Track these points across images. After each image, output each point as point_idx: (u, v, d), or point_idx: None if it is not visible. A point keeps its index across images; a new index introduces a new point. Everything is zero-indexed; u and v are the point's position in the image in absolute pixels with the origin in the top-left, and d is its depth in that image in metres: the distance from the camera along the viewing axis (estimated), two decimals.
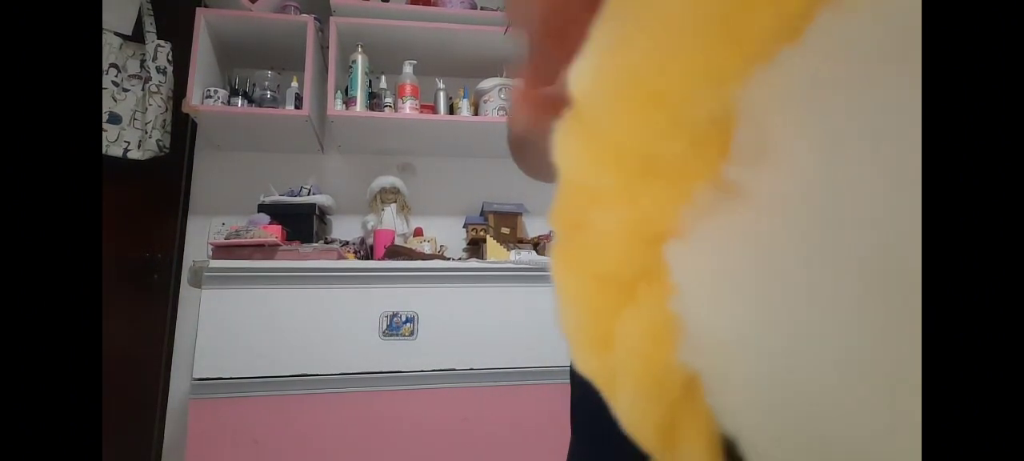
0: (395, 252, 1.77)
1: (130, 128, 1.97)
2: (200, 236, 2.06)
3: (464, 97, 2.07)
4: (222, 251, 1.58)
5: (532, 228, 2.18)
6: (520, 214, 2.12)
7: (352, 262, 1.65)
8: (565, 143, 0.17)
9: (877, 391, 0.12)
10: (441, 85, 2.08)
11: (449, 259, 1.78)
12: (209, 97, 1.87)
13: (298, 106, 1.93)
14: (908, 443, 0.11)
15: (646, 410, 0.17)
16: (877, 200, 0.12)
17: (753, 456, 0.14)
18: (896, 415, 0.11)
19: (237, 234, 1.62)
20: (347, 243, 1.96)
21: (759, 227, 0.14)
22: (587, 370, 0.18)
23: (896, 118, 0.12)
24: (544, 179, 0.53)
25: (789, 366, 0.13)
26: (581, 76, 0.16)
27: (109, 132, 1.93)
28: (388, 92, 2.03)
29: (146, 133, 1.95)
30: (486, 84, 2.06)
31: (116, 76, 1.98)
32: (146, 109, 1.97)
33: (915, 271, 0.11)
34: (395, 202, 2.01)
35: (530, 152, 0.48)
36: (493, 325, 1.61)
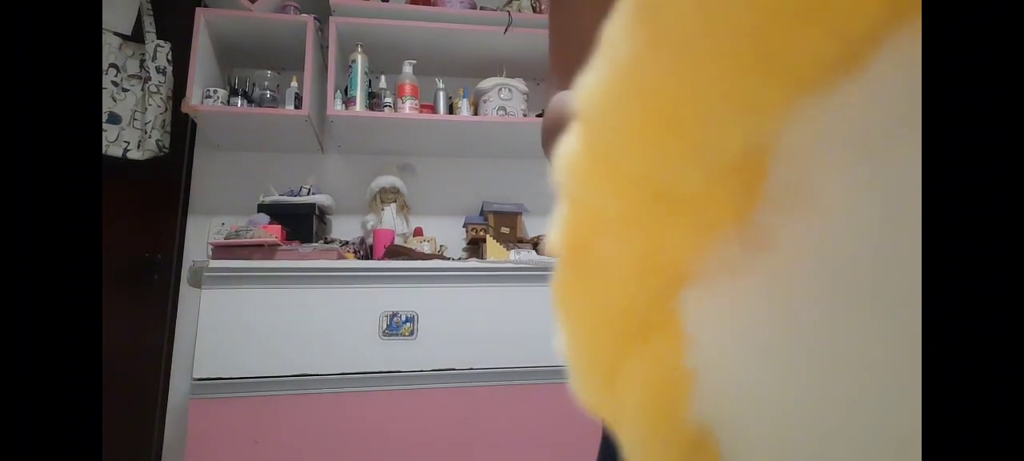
0: (395, 252, 1.77)
1: (130, 128, 1.97)
2: (200, 236, 2.06)
3: (464, 97, 2.07)
4: (222, 251, 1.58)
5: (532, 228, 2.18)
6: (520, 214, 2.12)
7: (352, 262, 1.65)
8: (568, 160, 0.15)
9: None
10: (441, 85, 2.08)
11: (449, 259, 1.78)
12: (209, 97, 1.87)
13: (298, 106, 1.93)
14: None
15: (654, 459, 0.16)
16: None
17: None
18: None
19: (237, 234, 1.62)
20: (347, 243, 1.96)
21: (796, 290, 0.12)
22: (588, 402, 0.17)
23: None
24: None
25: (818, 444, 0.12)
26: (588, 91, 0.14)
27: (109, 132, 1.93)
28: (388, 92, 2.03)
29: (146, 133, 1.95)
30: (486, 84, 2.06)
31: (116, 76, 1.98)
32: (146, 109, 1.97)
33: None
34: (395, 202, 2.02)
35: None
36: (493, 325, 1.61)
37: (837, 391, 0.12)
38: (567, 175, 0.15)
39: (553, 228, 0.16)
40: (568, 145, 0.15)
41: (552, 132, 0.49)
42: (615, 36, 0.13)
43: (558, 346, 0.17)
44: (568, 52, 0.51)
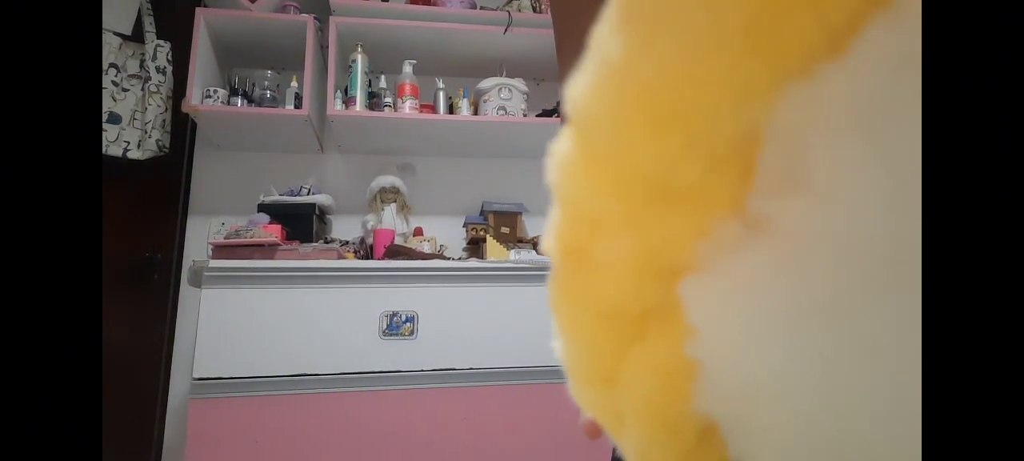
0: (395, 252, 1.77)
1: (130, 128, 1.97)
2: (200, 236, 2.06)
3: (464, 97, 2.07)
4: (222, 251, 1.58)
5: (532, 228, 2.18)
6: (520, 214, 2.12)
7: (352, 262, 1.65)
8: (561, 163, 0.15)
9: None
10: (441, 85, 2.08)
11: (449, 259, 1.78)
12: (209, 97, 1.87)
13: (298, 106, 1.93)
14: None
15: (658, 459, 0.16)
16: None
17: None
18: None
19: (237, 234, 1.62)
20: (347, 243, 1.96)
21: (797, 265, 0.12)
22: (587, 405, 0.17)
23: None
24: None
25: (832, 423, 0.12)
26: (579, 92, 0.14)
27: (109, 132, 1.93)
28: (388, 92, 2.03)
29: (146, 133, 1.95)
30: (486, 84, 2.06)
31: (116, 76, 1.98)
32: (146, 109, 1.97)
33: None
34: (395, 202, 2.02)
35: None
36: (493, 325, 1.61)
37: (847, 370, 0.12)
38: (560, 178, 0.15)
39: (547, 232, 0.16)
40: (560, 148, 0.15)
41: None
42: (604, 37, 0.13)
43: (556, 351, 0.17)
44: None
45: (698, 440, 0.15)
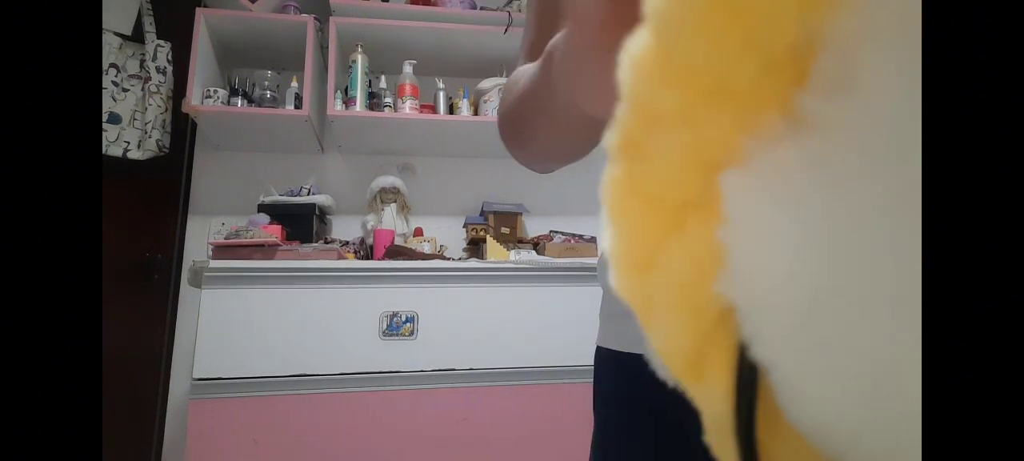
0: (395, 252, 1.77)
1: (130, 128, 1.97)
2: (200, 236, 2.06)
3: (464, 97, 2.07)
4: (222, 251, 1.58)
5: (532, 228, 2.18)
6: (520, 214, 2.12)
7: (352, 262, 1.65)
8: (634, 60, 0.15)
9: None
10: (441, 85, 2.08)
11: (449, 259, 1.78)
12: (209, 97, 1.87)
13: (298, 106, 1.93)
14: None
15: (679, 340, 0.16)
16: None
17: (787, 389, 0.14)
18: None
19: (237, 234, 1.62)
20: (347, 243, 1.96)
21: (830, 156, 0.13)
22: (626, 294, 0.17)
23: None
24: (551, 159, 0.48)
25: (835, 314, 0.13)
26: None
27: (109, 132, 1.93)
28: (388, 92, 2.03)
29: (146, 133, 1.95)
30: (486, 84, 2.06)
31: (116, 76, 1.98)
32: (146, 109, 1.97)
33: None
34: (395, 202, 2.02)
35: (549, 120, 0.37)
36: (493, 325, 1.61)
37: (854, 262, 0.12)
38: (630, 74, 0.15)
39: (610, 129, 0.17)
40: (634, 45, 0.15)
41: (516, 110, 0.43)
42: None
43: (601, 242, 0.17)
44: (542, 31, 0.52)
45: (717, 322, 0.16)
